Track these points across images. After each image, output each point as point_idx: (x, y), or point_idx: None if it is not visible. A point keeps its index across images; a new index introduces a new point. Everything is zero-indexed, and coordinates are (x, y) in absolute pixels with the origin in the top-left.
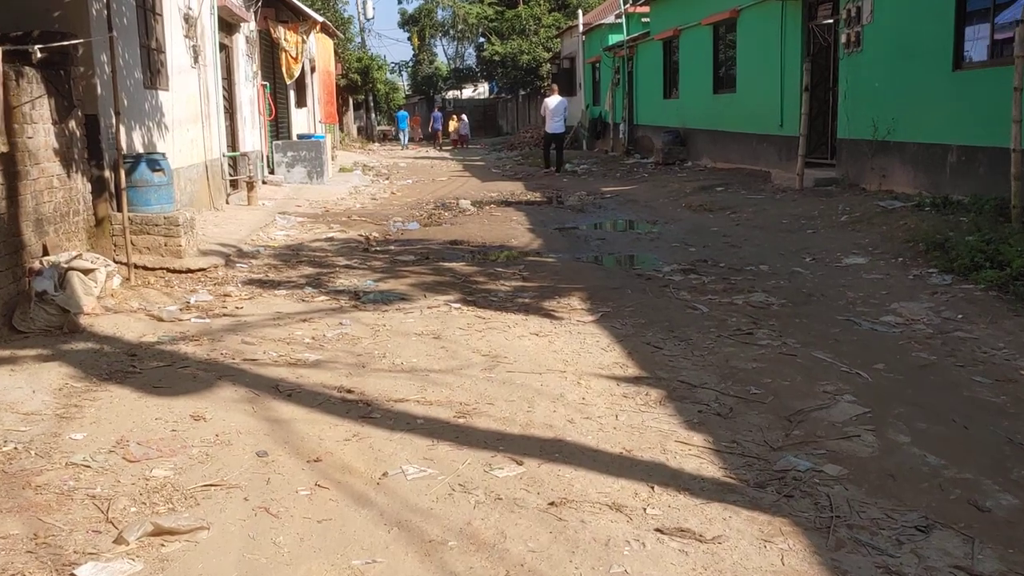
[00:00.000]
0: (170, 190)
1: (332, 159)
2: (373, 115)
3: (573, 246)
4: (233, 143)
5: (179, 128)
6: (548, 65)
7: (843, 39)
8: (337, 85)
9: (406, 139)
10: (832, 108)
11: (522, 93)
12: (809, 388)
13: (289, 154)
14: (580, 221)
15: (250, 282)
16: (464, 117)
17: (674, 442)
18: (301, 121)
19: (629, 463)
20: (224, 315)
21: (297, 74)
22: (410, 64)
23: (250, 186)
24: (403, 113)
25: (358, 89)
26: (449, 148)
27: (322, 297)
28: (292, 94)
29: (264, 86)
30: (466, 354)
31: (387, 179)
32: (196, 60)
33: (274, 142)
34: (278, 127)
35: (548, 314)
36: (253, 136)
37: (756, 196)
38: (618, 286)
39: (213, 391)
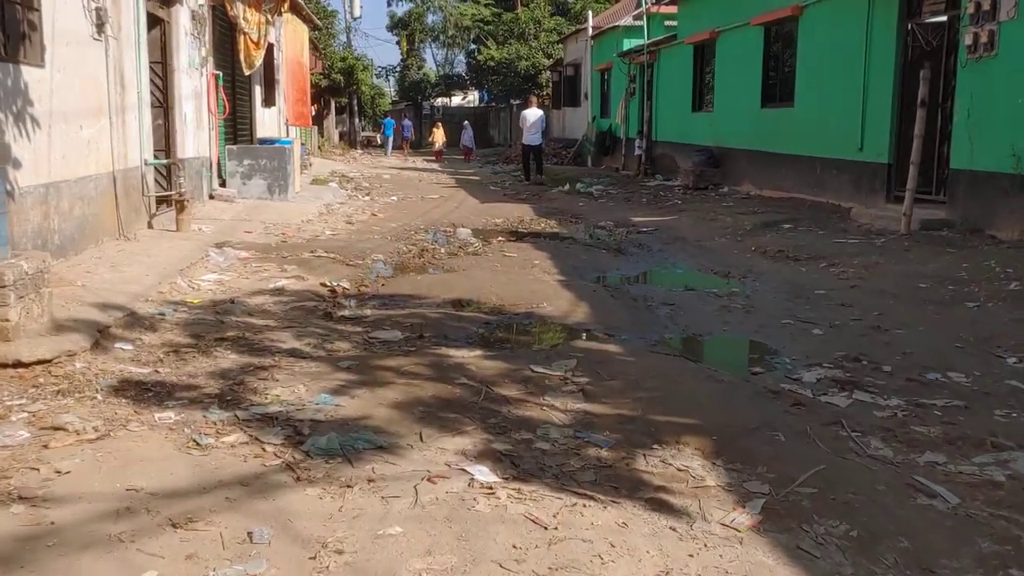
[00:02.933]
0: None
1: (305, 168)
2: (357, 120)
3: (634, 317)
4: (167, 147)
5: (63, 123)
6: (548, 72)
7: (967, 40)
8: (318, 85)
9: (390, 147)
10: (941, 129)
11: (515, 103)
12: None
13: (246, 162)
14: (625, 269)
15: (121, 389)
16: (468, 126)
17: None
18: (270, 123)
19: None
20: (20, 499)
21: (259, 63)
22: (398, 69)
23: (180, 206)
24: (390, 120)
25: (341, 91)
26: (432, 160)
27: (234, 436)
28: (259, 89)
29: (217, 76)
30: None
31: (367, 195)
32: (101, 28)
33: (227, 147)
34: (237, 129)
35: (659, 501)
36: (199, 139)
37: (845, 240)
38: (754, 423)
39: None
